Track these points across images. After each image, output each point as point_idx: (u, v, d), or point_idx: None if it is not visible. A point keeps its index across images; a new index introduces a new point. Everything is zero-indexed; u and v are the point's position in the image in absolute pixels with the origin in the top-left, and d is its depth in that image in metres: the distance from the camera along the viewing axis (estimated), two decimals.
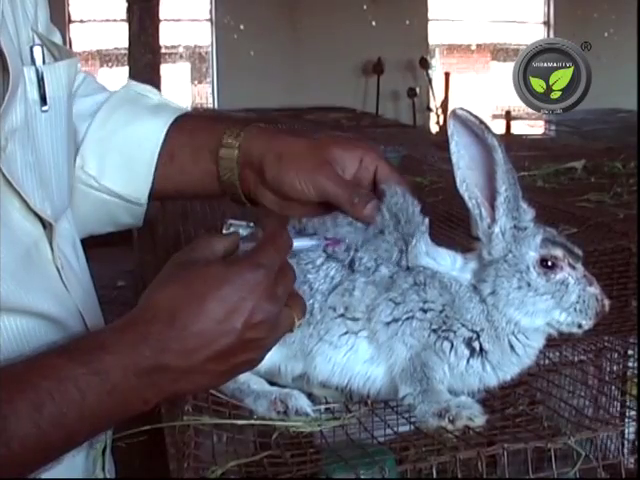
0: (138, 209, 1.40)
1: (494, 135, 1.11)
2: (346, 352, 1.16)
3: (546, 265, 1.13)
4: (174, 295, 0.97)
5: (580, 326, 1.14)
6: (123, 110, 1.39)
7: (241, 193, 1.32)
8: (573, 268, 1.13)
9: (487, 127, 1.11)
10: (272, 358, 1.16)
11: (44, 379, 0.89)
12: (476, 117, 1.11)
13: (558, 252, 1.13)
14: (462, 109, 1.12)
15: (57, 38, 1.26)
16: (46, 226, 1.15)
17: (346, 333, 1.15)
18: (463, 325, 1.14)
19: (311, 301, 1.15)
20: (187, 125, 1.38)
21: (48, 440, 0.90)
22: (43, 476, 0.96)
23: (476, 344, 1.14)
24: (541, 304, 1.13)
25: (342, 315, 1.15)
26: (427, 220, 1.18)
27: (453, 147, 1.13)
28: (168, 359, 0.95)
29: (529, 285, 1.12)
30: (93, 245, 1.47)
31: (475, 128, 1.11)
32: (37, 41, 1.18)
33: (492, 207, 1.14)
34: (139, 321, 0.96)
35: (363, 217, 1.19)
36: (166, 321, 0.95)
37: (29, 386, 0.89)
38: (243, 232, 1.07)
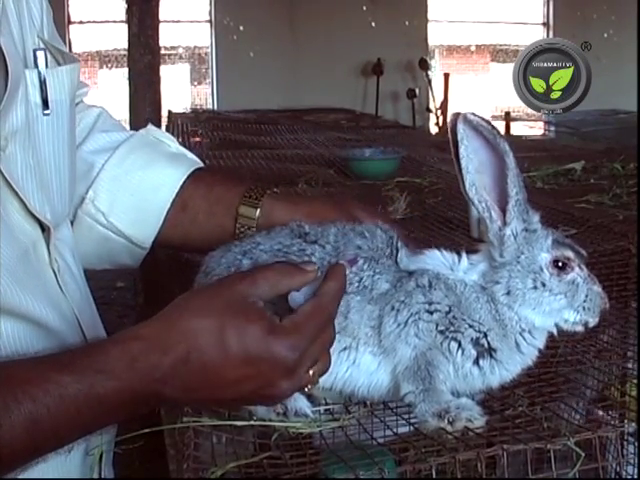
0: (139, 252, 1.41)
1: (505, 140, 1.12)
2: (348, 367, 1.15)
3: (557, 266, 1.15)
4: (202, 333, 0.94)
5: (587, 324, 1.16)
6: (142, 152, 1.41)
7: None
8: (580, 268, 1.16)
9: (498, 132, 1.12)
10: None
11: (45, 394, 0.89)
12: (487, 122, 1.12)
13: (570, 253, 1.16)
14: (473, 114, 1.12)
15: (62, 48, 1.26)
16: (45, 229, 1.15)
17: (346, 349, 1.15)
18: (470, 326, 1.14)
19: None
20: (205, 178, 1.41)
21: (38, 448, 0.91)
22: (37, 476, 0.97)
23: (484, 343, 1.14)
24: (555, 304, 1.15)
25: (339, 333, 1.15)
26: (395, 236, 1.21)
27: (462, 151, 1.13)
28: (169, 392, 0.95)
29: (544, 285, 1.14)
30: None
31: (487, 133, 1.12)
32: (42, 46, 1.19)
33: (501, 210, 1.15)
34: (155, 345, 0.94)
35: None
36: (181, 358, 0.93)
37: (28, 398, 0.88)
38: None
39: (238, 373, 0.95)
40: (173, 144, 1.47)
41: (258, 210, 1.32)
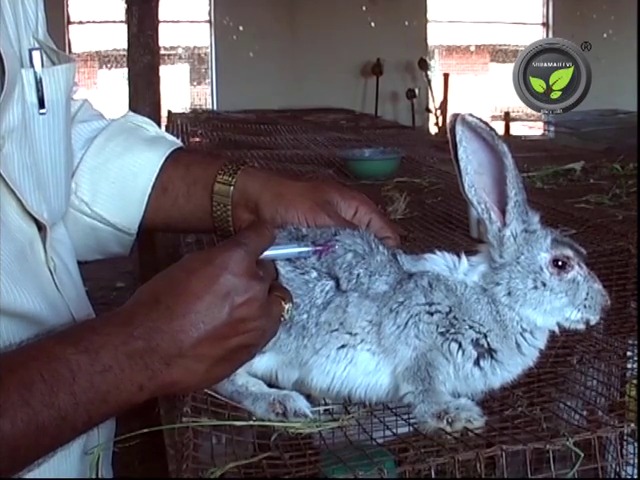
0: (127, 238, 1.41)
1: (504, 141, 1.12)
2: (346, 366, 1.16)
3: (557, 265, 1.15)
4: (158, 283, 1.00)
5: (588, 322, 1.17)
6: (120, 139, 1.41)
7: (232, 230, 1.34)
8: (580, 266, 1.16)
9: (497, 134, 1.12)
10: (268, 364, 1.17)
11: (33, 359, 0.90)
12: (486, 124, 1.12)
13: (569, 252, 1.16)
14: (471, 115, 1.13)
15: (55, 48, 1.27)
16: (41, 228, 1.15)
17: (344, 347, 1.15)
18: (471, 327, 1.15)
19: (305, 316, 1.15)
20: (182, 159, 1.40)
21: (39, 421, 0.87)
22: (36, 476, 0.96)
23: (484, 344, 1.15)
24: (557, 303, 1.15)
25: (337, 330, 1.15)
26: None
27: (461, 153, 1.14)
28: (157, 340, 0.96)
29: (544, 285, 1.15)
30: None
31: (485, 135, 1.12)
32: (37, 46, 1.20)
33: (500, 211, 1.16)
34: (125, 307, 0.99)
35: None
36: (149, 304, 0.97)
37: (18, 365, 0.89)
38: None
39: (211, 289, 0.98)
40: (152, 128, 1.47)
41: (232, 188, 1.33)
